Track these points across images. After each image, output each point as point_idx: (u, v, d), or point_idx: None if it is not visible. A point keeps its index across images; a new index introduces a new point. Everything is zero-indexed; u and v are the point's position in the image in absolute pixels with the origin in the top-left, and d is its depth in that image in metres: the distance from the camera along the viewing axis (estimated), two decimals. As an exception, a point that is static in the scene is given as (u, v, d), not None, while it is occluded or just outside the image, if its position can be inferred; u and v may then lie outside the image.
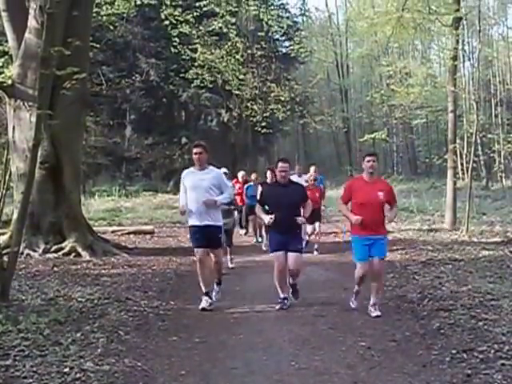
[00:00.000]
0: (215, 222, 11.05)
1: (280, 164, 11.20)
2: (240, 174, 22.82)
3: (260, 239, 20.66)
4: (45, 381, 6.91)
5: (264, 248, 17.92)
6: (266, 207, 11.35)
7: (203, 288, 11.08)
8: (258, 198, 12.03)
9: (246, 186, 21.27)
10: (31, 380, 6.91)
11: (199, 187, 10.94)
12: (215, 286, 11.55)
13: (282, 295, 10.94)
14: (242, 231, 23.52)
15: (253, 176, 21.75)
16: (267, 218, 10.90)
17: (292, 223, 10.83)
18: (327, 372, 7.46)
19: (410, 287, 12.18)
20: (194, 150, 11.16)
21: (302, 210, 11.32)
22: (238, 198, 20.75)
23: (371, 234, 10.18)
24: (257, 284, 13.15)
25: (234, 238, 16.28)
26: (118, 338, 8.92)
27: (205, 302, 10.90)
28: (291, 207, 10.95)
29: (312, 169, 19.03)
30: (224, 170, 18.65)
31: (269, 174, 16.85)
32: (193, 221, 11.07)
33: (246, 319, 10.18)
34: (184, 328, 9.76)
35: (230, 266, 15.40)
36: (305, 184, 15.92)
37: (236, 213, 19.64)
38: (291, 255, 10.83)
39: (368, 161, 10.45)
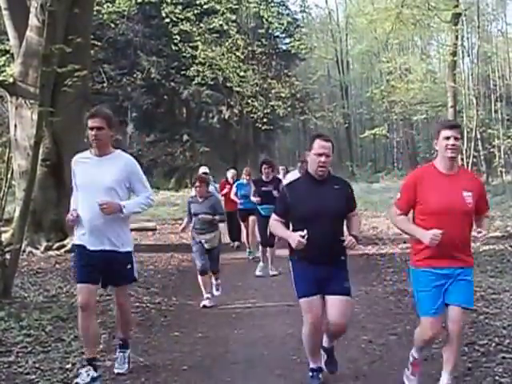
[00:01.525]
0: (119, 247, 7.03)
1: (318, 142, 6.66)
2: (230, 174, 18.77)
3: (251, 250, 16.56)
4: (47, 377, 6.91)
5: (258, 273, 14.06)
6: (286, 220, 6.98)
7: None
8: (278, 204, 7.11)
9: (236, 184, 17.01)
10: (34, 376, 6.91)
11: (94, 185, 6.94)
12: (119, 351, 7.46)
13: (313, 365, 6.85)
14: (235, 243, 18.78)
15: (245, 171, 17.08)
16: (296, 237, 6.34)
17: (334, 246, 6.56)
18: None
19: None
20: (90, 123, 6.99)
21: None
22: (226, 201, 17.56)
23: (450, 265, 6.04)
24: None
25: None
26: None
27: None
28: (334, 219, 6.61)
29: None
30: (204, 169, 17.29)
31: (264, 168, 14.22)
32: (82, 239, 7.05)
33: (248, 315, 10.17)
34: (186, 323, 9.77)
35: (216, 293, 11.60)
36: None
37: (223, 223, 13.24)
38: (334, 301, 6.57)
39: (447, 137, 6.03)
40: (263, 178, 14.34)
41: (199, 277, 10.96)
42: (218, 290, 11.58)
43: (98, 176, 6.86)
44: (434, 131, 6.43)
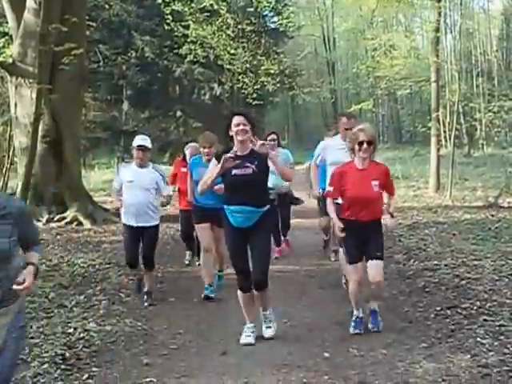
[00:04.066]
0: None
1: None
2: (189, 150, 11.51)
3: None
4: (51, 341, 6.99)
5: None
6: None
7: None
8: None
9: (190, 162, 10.07)
10: (38, 340, 7.00)
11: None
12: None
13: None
14: (187, 257, 12.18)
15: (205, 141, 9.56)
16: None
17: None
18: (318, 328, 7.59)
19: (397, 249, 12.27)
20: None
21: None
22: (181, 194, 11.97)
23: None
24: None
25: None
26: (119, 300, 9.04)
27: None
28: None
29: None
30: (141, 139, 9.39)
31: (237, 141, 6.95)
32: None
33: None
34: (182, 290, 9.85)
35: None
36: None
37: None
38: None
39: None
40: (237, 152, 7.01)
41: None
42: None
43: None
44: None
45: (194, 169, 9.54)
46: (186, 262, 12.03)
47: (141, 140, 9.21)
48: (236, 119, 6.94)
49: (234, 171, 6.92)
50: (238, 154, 6.93)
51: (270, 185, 8.34)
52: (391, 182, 7.66)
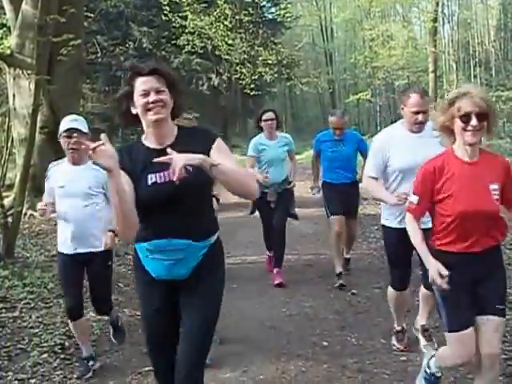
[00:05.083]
0: None
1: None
2: None
3: None
4: (50, 330, 7.03)
5: None
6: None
7: None
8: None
9: None
10: (37, 330, 7.04)
11: None
12: None
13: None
14: None
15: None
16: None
17: None
18: (316, 318, 7.59)
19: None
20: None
21: None
22: None
23: None
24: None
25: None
26: (118, 290, 9.03)
27: None
28: None
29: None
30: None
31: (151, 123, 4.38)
32: None
33: (239, 269, 10.20)
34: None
35: None
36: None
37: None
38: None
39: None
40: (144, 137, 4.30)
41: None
42: None
43: None
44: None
45: None
46: None
47: (70, 121, 6.03)
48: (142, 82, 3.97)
49: (150, 177, 3.91)
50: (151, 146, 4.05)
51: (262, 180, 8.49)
52: None
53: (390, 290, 6.42)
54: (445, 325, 4.50)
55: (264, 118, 9.17)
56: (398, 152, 5.89)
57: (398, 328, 6.54)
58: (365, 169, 6.33)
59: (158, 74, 3.98)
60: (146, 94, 3.91)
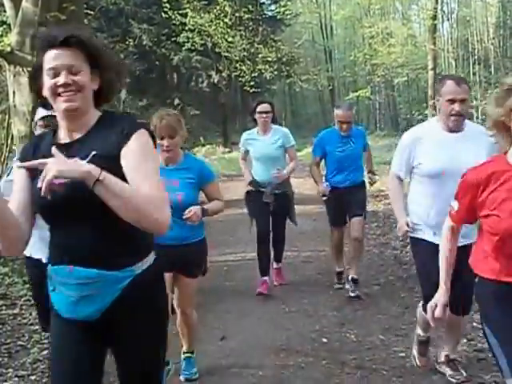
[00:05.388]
0: None
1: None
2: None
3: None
4: (50, 327, 7.03)
5: None
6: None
7: None
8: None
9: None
10: (37, 327, 7.01)
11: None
12: None
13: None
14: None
15: (164, 129, 5.29)
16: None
17: None
18: (315, 314, 7.60)
19: (393, 235, 12.23)
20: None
21: None
22: None
23: None
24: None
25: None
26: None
27: None
28: None
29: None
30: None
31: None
32: None
33: (238, 267, 10.22)
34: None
35: None
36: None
37: None
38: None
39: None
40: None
41: None
42: None
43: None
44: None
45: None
46: None
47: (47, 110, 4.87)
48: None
49: (39, 180, 2.71)
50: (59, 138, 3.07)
51: (258, 177, 8.24)
52: None
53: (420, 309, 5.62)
54: (505, 371, 3.49)
55: (258, 109, 8.26)
56: (426, 153, 5.05)
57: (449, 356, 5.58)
58: (391, 165, 5.54)
59: (74, 46, 2.88)
60: (54, 73, 2.86)
